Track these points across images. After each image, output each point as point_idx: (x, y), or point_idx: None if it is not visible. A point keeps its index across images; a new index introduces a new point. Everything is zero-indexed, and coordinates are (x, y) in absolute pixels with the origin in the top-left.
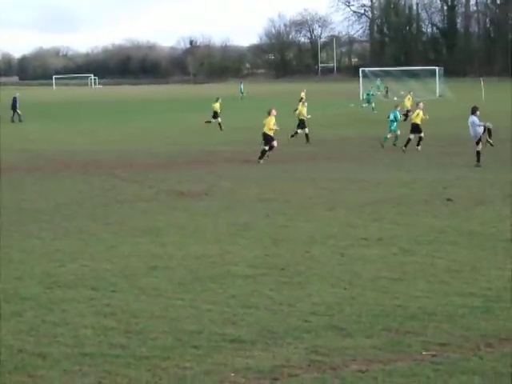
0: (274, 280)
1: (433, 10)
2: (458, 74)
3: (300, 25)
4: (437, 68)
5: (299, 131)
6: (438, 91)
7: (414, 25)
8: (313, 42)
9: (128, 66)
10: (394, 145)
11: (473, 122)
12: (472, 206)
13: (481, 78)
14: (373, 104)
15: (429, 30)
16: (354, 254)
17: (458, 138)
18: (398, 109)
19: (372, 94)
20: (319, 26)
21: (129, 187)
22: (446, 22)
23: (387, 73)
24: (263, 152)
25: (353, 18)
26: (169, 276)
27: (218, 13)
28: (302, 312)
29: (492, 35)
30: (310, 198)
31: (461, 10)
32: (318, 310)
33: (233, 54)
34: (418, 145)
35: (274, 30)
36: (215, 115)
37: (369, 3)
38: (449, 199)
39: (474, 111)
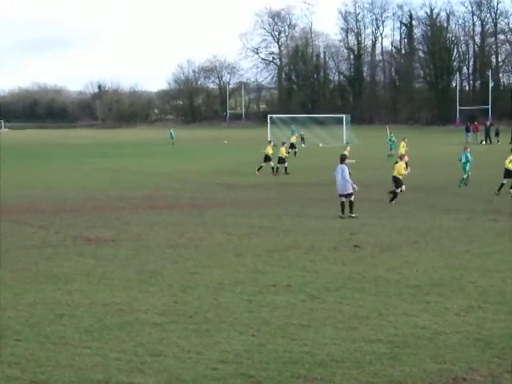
0: (183, 327)
1: (340, 58)
2: (365, 122)
3: (209, 71)
4: (344, 115)
5: (279, 165)
6: (345, 138)
7: (322, 73)
8: (221, 88)
9: (35, 109)
10: (461, 185)
11: (343, 173)
12: (378, 253)
13: (387, 126)
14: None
15: (336, 77)
16: (262, 301)
17: (363, 184)
18: (468, 150)
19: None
20: (228, 73)
21: (35, 233)
22: (352, 70)
23: (295, 120)
24: (395, 194)
25: (261, 65)
26: (75, 324)
27: (127, 57)
28: (210, 360)
29: (397, 84)
30: (219, 244)
31: (367, 58)
32: (226, 357)
33: (141, 99)
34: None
35: (182, 76)
36: (266, 159)
37: (277, 51)
38: (356, 246)
39: (342, 160)
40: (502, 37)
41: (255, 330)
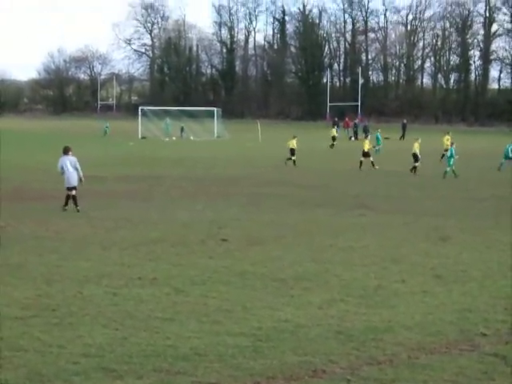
0: (45, 321)
1: (212, 51)
2: (237, 116)
3: (80, 61)
4: (215, 109)
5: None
6: (216, 132)
7: (194, 66)
8: (93, 79)
9: None
10: (445, 176)
11: (75, 164)
12: (245, 247)
13: (257, 120)
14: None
15: (208, 71)
16: (127, 294)
17: (233, 178)
18: (454, 146)
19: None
20: (100, 64)
21: None
22: (225, 64)
23: (167, 112)
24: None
25: (133, 57)
26: None
27: None
28: (72, 354)
29: (269, 78)
30: (85, 237)
31: (240, 52)
32: (88, 351)
33: (10, 88)
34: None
35: (53, 66)
36: (292, 152)
37: (150, 42)
38: (224, 239)
39: (66, 151)
40: (372, 35)
41: (119, 323)
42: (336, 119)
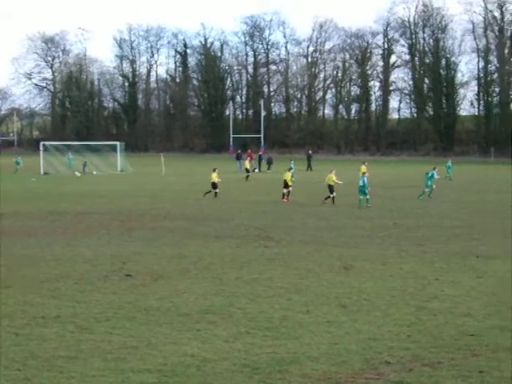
0: None
1: (114, 85)
2: (140, 150)
3: None
4: (118, 143)
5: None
6: (119, 166)
7: (96, 100)
8: None
9: None
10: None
11: None
12: (150, 281)
13: (161, 154)
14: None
15: (110, 104)
16: (30, 334)
17: (136, 212)
18: (436, 170)
19: None
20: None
21: None
22: (127, 97)
23: (69, 147)
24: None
25: (34, 91)
26: None
27: None
28: None
29: (172, 112)
30: None
31: (142, 86)
32: None
33: None
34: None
35: None
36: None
37: (50, 76)
38: (128, 275)
39: None
40: (273, 67)
41: (21, 363)
42: (239, 151)
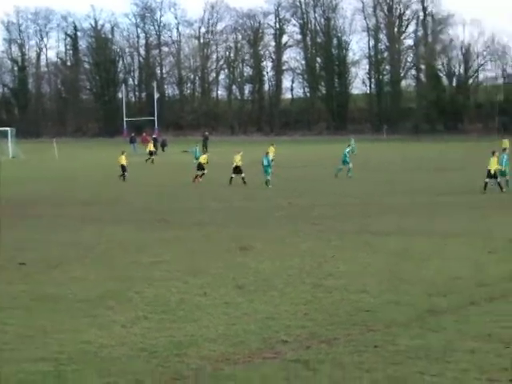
0: None
1: (3, 70)
2: (32, 135)
3: None
4: (9, 129)
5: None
6: (11, 152)
7: None
8: None
9: None
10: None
11: None
12: (45, 269)
13: (54, 139)
14: None
15: (0, 90)
16: None
17: (29, 199)
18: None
19: None
20: None
21: None
22: (17, 82)
23: None
24: None
25: None
26: None
27: None
28: None
29: (64, 96)
30: None
31: (32, 70)
32: None
33: None
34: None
35: None
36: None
37: None
38: (22, 263)
39: None
40: (165, 49)
41: None
42: (133, 135)
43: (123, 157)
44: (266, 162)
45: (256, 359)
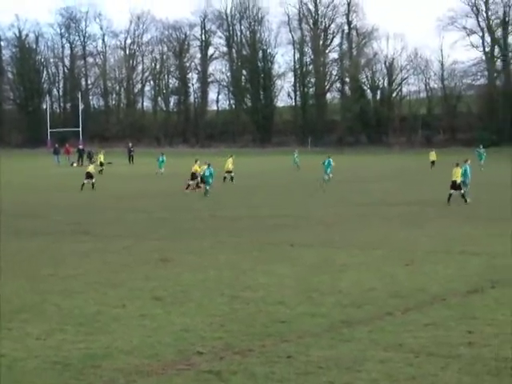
0: None
1: None
2: None
3: None
4: None
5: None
6: None
7: None
8: None
9: None
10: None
11: None
12: None
13: None
14: None
15: None
16: None
17: None
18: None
19: None
20: None
21: None
22: None
23: None
24: None
25: None
26: None
27: None
28: None
29: None
30: None
31: None
32: None
33: None
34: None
35: None
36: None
37: None
38: None
39: None
40: (90, 60)
41: None
42: (57, 146)
43: (91, 166)
44: (207, 173)
45: (170, 371)
